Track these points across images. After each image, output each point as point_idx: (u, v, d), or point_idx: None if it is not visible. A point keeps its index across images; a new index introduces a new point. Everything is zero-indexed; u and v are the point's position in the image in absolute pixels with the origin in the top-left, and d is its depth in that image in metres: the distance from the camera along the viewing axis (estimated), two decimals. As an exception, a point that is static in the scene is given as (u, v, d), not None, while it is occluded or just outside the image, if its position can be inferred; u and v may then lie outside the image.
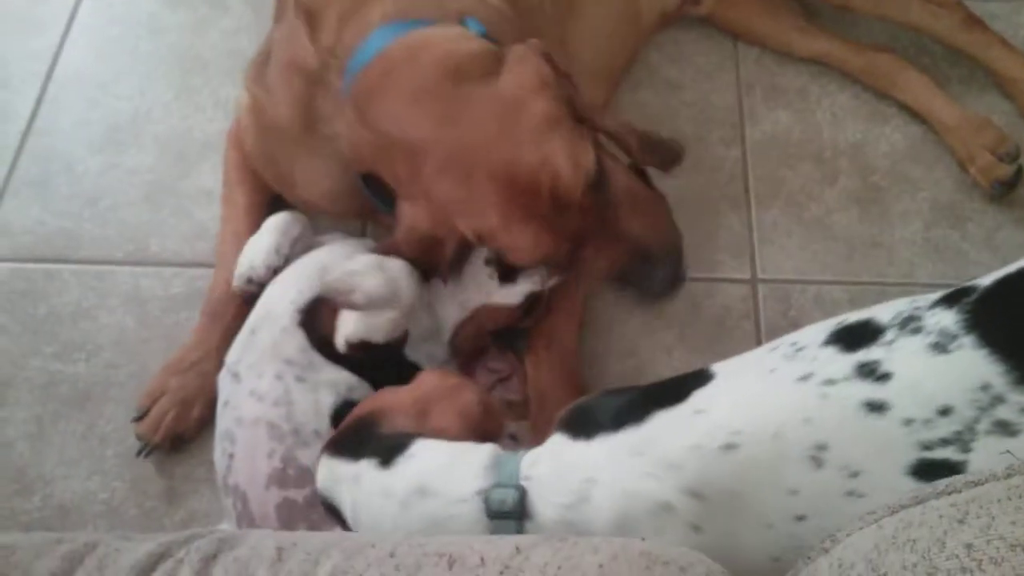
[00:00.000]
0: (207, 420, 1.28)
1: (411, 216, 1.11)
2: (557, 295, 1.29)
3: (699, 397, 0.88)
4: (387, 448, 0.95)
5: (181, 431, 1.31)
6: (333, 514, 1.00)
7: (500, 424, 1.02)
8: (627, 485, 0.85)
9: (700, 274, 1.44)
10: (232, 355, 1.20)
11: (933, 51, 1.63)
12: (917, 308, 0.84)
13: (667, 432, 0.86)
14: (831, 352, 0.84)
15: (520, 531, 0.87)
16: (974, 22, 1.60)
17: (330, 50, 1.16)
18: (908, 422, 0.78)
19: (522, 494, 0.87)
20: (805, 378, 0.83)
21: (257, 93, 1.30)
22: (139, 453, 1.31)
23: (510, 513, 0.87)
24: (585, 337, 1.40)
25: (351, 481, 0.95)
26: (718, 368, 0.91)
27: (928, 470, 0.76)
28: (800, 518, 0.81)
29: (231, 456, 1.13)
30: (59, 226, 1.55)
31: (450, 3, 1.19)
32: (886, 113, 1.61)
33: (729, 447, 0.82)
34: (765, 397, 0.85)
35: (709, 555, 0.74)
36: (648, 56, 1.68)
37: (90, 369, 1.41)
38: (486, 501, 0.88)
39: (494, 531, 0.88)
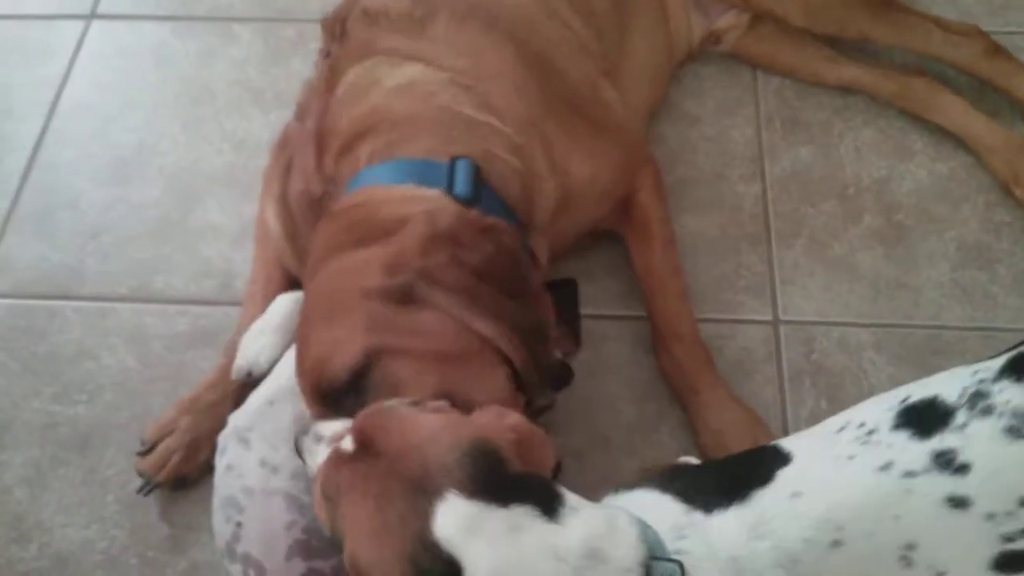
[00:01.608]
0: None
1: None
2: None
3: (787, 479, 0.86)
4: (543, 495, 0.81)
5: (186, 473, 1.28)
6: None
7: None
8: (763, 573, 0.82)
9: (720, 315, 1.40)
10: (242, 419, 1.14)
11: (957, 84, 1.59)
12: (982, 381, 0.83)
13: (777, 516, 0.84)
14: (904, 438, 0.83)
15: None
16: (997, 50, 1.56)
17: (331, 179, 1.21)
18: (990, 516, 0.78)
19: (682, 569, 0.82)
20: (886, 468, 0.83)
21: (285, 221, 1.32)
22: (140, 490, 1.27)
23: None
24: (601, 379, 1.36)
25: (503, 533, 0.79)
26: (790, 446, 0.90)
27: (1010, 562, 0.78)
28: None
29: (239, 524, 1.09)
30: (61, 262, 1.51)
31: (448, 146, 1.16)
32: (911, 148, 1.57)
33: (836, 544, 0.81)
34: (854, 490, 0.83)
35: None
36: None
37: (91, 411, 1.37)
38: (649, 573, 0.81)
39: None
